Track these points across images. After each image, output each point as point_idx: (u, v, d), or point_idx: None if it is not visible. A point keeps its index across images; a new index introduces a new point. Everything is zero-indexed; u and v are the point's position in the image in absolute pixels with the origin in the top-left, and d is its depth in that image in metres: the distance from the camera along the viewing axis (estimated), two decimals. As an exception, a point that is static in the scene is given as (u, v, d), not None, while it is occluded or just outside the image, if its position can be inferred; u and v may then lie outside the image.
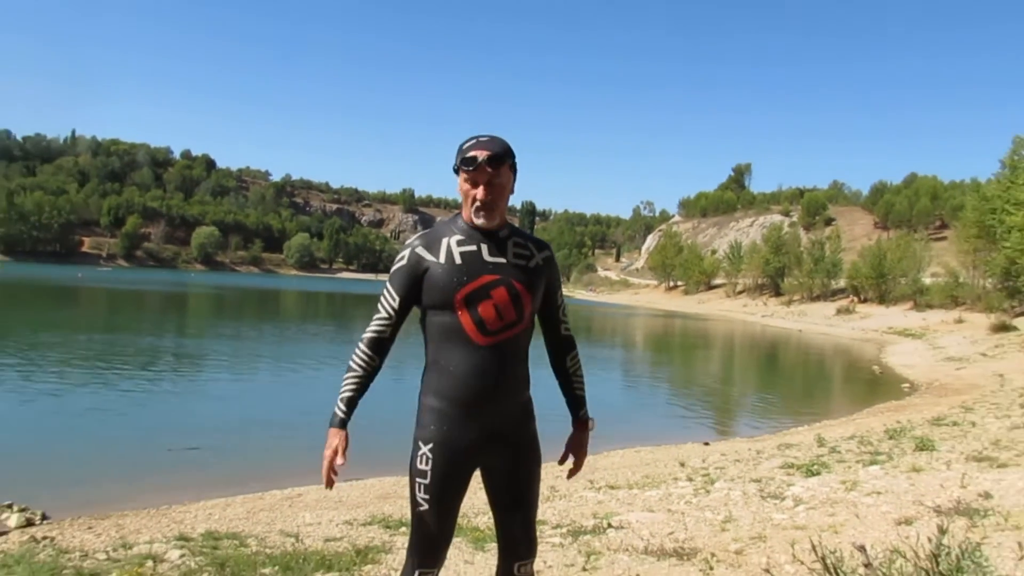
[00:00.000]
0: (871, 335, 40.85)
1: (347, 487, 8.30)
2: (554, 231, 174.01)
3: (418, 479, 2.13)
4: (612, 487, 7.41)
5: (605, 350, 30.46)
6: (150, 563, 4.47)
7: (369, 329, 2.13)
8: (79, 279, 68.28)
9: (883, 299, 55.56)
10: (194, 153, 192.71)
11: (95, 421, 11.62)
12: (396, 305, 2.12)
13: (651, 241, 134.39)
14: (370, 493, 8.01)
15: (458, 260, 2.10)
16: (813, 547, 2.38)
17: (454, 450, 2.10)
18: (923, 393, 18.30)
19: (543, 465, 2.29)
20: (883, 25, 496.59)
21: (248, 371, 18.56)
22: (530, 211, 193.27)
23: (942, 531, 2.29)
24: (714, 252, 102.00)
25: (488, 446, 2.14)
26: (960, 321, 37.51)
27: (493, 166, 2.06)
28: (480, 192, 2.08)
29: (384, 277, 2.24)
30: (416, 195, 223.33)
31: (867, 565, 2.33)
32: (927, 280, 52.88)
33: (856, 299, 59.32)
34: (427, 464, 2.11)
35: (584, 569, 4.12)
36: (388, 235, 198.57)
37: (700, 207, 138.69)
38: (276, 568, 4.19)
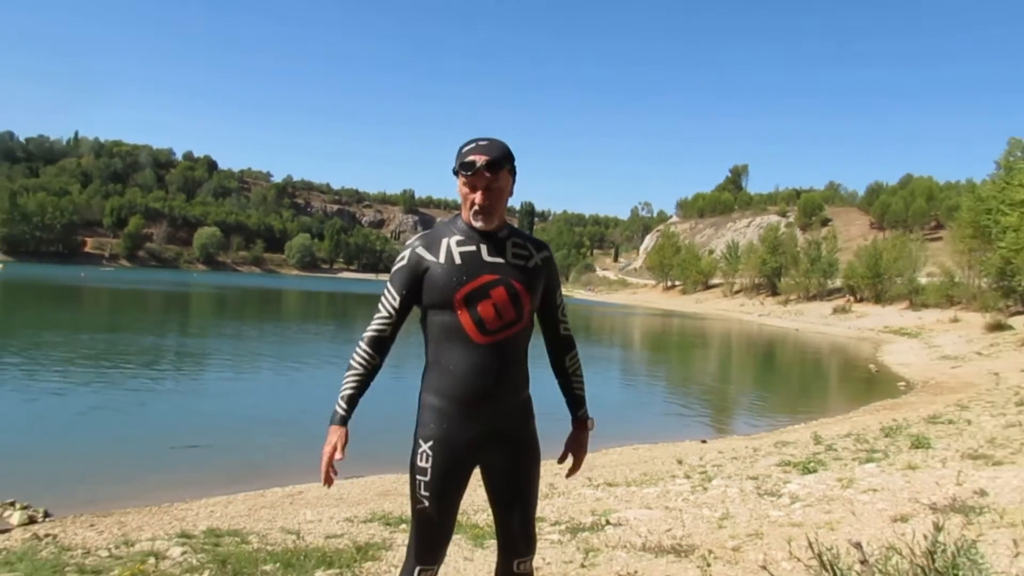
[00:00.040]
0: (867, 334, 40.88)
1: (348, 484, 8.30)
2: (553, 231, 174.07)
3: (418, 476, 2.13)
4: (610, 484, 7.41)
5: (604, 349, 30.47)
6: (152, 560, 4.47)
7: (370, 328, 2.13)
8: (82, 279, 68.25)
9: (879, 298, 55.59)
10: (196, 154, 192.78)
11: (97, 420, 11.61)
12: (397, 304, 2.12)
13: (649, 241, 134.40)
14: (371, 490, 8.00)
15: (458, 260, 2.10)
16: (810, 544, 2.38)
17: (454, 448, 2.10)
18: (919, 391, 18.30)
19: (542, 463, 2.29)
20: (879, 29, 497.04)
21: (249, 370, 18.55)
22: (529, 212, 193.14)
23: (938, 528, 2.29)
24: (711, 252, 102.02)
25: (488, 444, 2.14)
26: (955, 320, 37.55)
27: (491, 171, 2.06)
28: (478, 197, 2.08)
29: (384, 277, 2.24)
30: (416, 196, 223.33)
31: (863, 562, 2.33)
32: (923, 280, 52.89)
33: (852, 298, 59.36)
34: (427, 462, 2.11)
35: (583, 566, 4.12)
36: (388, 235, 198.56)
37: (698, 208, 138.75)
38: (277, 565, 4.18)
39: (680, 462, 8.98)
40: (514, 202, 2.23)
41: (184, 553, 4.68)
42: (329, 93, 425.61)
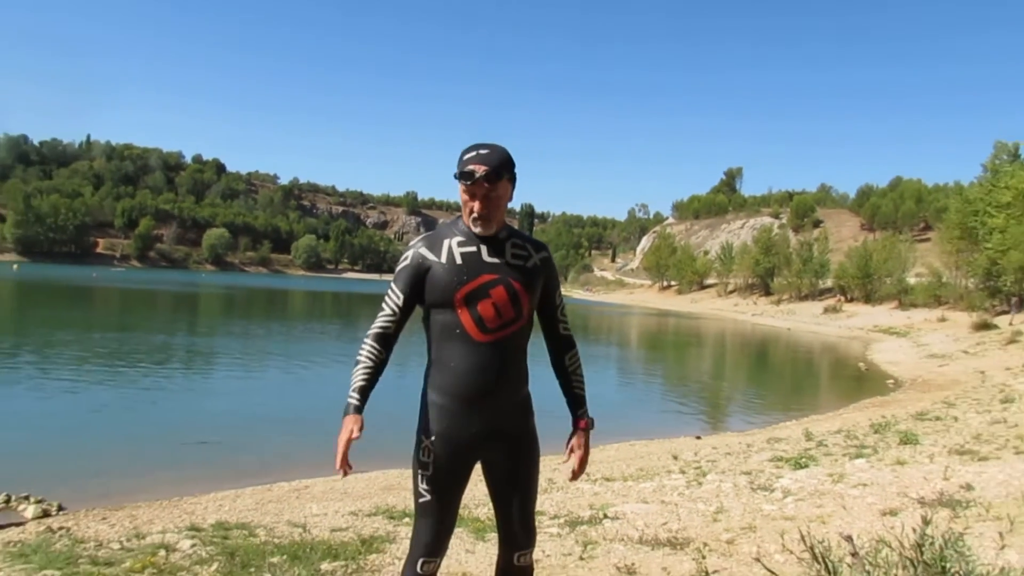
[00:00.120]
0: (857, 333, 40.87)
1: (352, 479, 8.30)
2: (552, 233, 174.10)
3: (421, 471, 2.13)
4: (608, 479, 7.41)
5: (601, 348, 30.46)
6: (162, 552, 4.47)
7: (375, 325, 2.13)
8: (94, 279, 68.25)
9: (869, 298, 55.57)
10: (205, 157, 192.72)
11: (109, 416, 11.61)
12: (400, 303, 2.12)
13: (646, 242, 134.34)
14: (375, 485, 8.00)
15: (459, 260, 2.10)
16: (802, 537, 2.39)
17: (455, 443, 2.10)
18: (907, 389, 18.30)
19: (541, 459, 2.29)
20: (871, 34, 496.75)
21: (257, 368, 18.55)
22: (529, 213, 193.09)
23: (926, 522, 2.29)
24: (706, 253, 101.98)
25: (488, 440, 2.14)
26: (943, 320, 37.51)
27: (490, 181, 2.05)
28: (477, 205, 2.08)
29: (388, 277, 2.24)
30: (419, 198, 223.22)
31: (854, 554, 2.34)
32: (911, 280, 52.87)
33: (843, 298, 59.33)
34: (429, 457, 2.11)
35: (581, 558, 4.12)
36: (392, 236, 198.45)
37: (693, 209, 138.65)
38: (284, 557, 4.18)
39: (675, 457, 8.98)
40: (514, 204, 2.22)
41: (194, 546, 4.68)
42: (334, 97, 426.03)
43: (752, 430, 12.58)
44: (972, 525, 4.15)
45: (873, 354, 28.38)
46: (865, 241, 68.33)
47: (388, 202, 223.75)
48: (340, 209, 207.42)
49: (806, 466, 7.23)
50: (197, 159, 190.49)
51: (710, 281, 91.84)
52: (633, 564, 3.88)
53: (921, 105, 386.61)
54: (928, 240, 68.44)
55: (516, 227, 2.30)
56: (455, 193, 2.17)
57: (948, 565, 2.14)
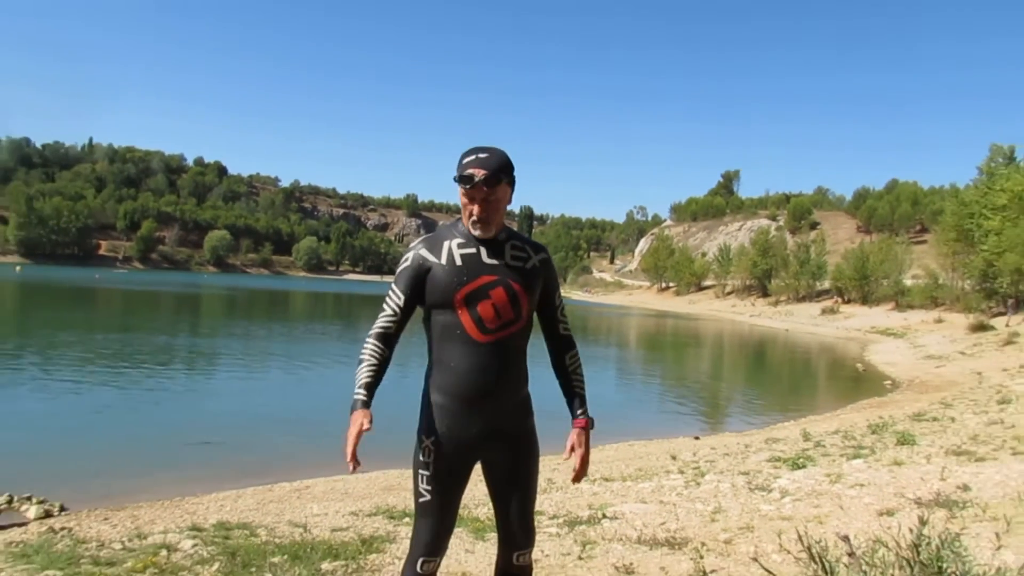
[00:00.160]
0: (854, 334, 40.86)
1: (353, 479, 8.29)
2: (551, 235, 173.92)
3: (421, 471, 2.13)
4: (606, 479, 7.40)
5: (600, 349, 30.45)
6: (164, 552, 4.47)
7: (376, 326, 2.12)
8: (96, 281, 68.21)
9: (866, 300, 55.57)
10: (207, 160, 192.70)
11: (111, 417, 11.61)
12: (401, 303, 2.12)
13: (644, 244, 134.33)
14: (375, 485, 7.99)
15: (459, 262, 2.11)
16: (799, 537, 2.38)
17: (455, 443, 2.10)
18: (904, 390, 18.30)
19: (541, 458, 2.29)
20: (868, 40, 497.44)
21: (258, 369, 18.55)
22: (528, 215, 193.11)
23: (923, 522, 2.29)
24: (704, 255, 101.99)
25: (488, 440, 2.14)
26: (940, 321, 37.52)
27: (489, 185, 2.06)
28: (476, 208, 2.09)
29: (389, 279, 2.24)
30: (419, 200, 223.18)
31: (851, 554, 2.33)
32: (908, 282, 52.86)
33: (840, 300, 59.32)
34: (430, 457, 2.11)
35: (580, 558, 4.12)
36: (392, 238, 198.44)
37: (691, 212, 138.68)
38: (285, 557, 4.18)
39: (674, 458, 8.98)
40: (514, 206, 2.22)
41: (195, 546, 4.68)
42: (335, 101, 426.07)
43: (750, 430, 12.57)
44: (969, 526, 4.15)
45: (870, 355, 28.37)
46: (862, 243, 68.39)
47: (388, 204, 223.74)
48: (341, 211, 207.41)
49: (804, 466, 7.22)
50: (199, 162, 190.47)
51: (708, 283, 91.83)
52: (631, 564, 3.88)
53: (917, 109, 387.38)
54: (924, 242, 68.49)
55: (516, 229, 2.30)
56: (455, 195, 2.17)
57: (945, 565, 2.13)
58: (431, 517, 2.13)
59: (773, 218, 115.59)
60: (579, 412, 2.26)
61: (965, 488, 5.35)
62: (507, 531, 2.23)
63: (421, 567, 2.13)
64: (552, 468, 8.33)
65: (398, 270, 2.17)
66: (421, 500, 2.14)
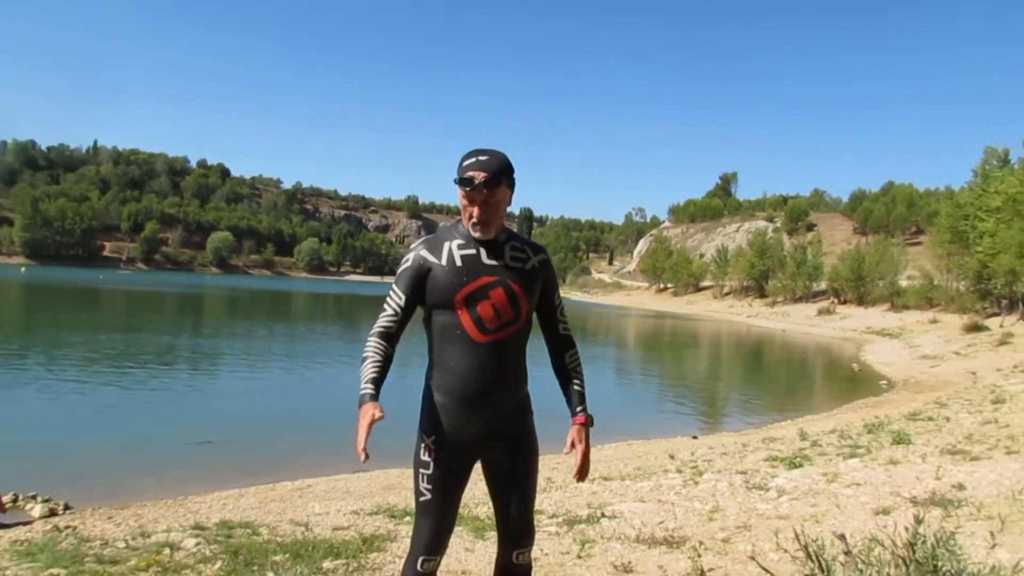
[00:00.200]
0: (850, 335, 40.85)
1: (354, 479, 8.30)
2: (551, 236, 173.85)
3: (422, 470, 2.13)
4: (605, 478, 7.40)
5: (599, 349, 30.45)
6: (167, 551, 4.46)
7: (378, 325, 2.12)
8: (100, 281, 68.21)
9: (862, 300, 55.56)
10: (210, 162, 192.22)
11: (115, 416, 11.61)
12: (402, 303, 2.12)
13: (643, 245, 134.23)
14: (376, 484, 7.99)
15: (459, 262, 2.11)
16: (796, 536, 2.38)
17: (456, 443, 2.10)
18: (900, 390, 18.30)
19: (540, 458, 2.29)
20: (863, 44, 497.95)
21: (260, 369, 18.54)
22: (528, 217, 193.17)
23: (918, 521, 2.29)
24: (702, 256, 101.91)
25: (488, 439, 2.14)
26: (935, 321, 37.51)
27: (489, 187, 2.06)
28: (476, 210, 2.09)
29: (390, 279, 2.24)
30: (420, 202, 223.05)
31: (847, 553, 2.33)
32: (903, 283, 52.86)
33: (836, 300, 59.32)
34: (430, 456, 2.11)
35: (579, 556, 4.11)
36: (393, 240, 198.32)
37: (689, 213, 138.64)
38: (287, 556, 4.18)
39: (672, 457, 8.98)
40: (514, 208, 2.21)
41: (198, 544, 4.67)
42: (337, 104, 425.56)
43: (748, 430, 12.57)
44: (964, 524, 4.15)
45: (866, 355, 28.37)
46: (858, 244, 68.39)
47: (389, 206, 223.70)
48: (342, 213, 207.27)
49: (800, 466, 7.22)
50: (202, 164, 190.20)
51: (706, 283, 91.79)
52: (630, 562, 3.88)
53: (914, 112, 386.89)
54: (920, 244, 68.54)
55: (515, 230, 2.30)
56: (455, 197, 2.17)
57: (940, 563, 2.13)
58: (432, 516, 2.13)
59: (770, 220, 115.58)
60: (579, 409, 2.25)
61: (960, 487, 5.35)
62: (507, 530, 2.23)
63: (422, 565, 2.13)
64: (551, 467, 8.32)
65: (399, 271, 2.17)
66: (422, 499, 2.14)
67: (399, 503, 6.35)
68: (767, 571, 2.76)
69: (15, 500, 6.95)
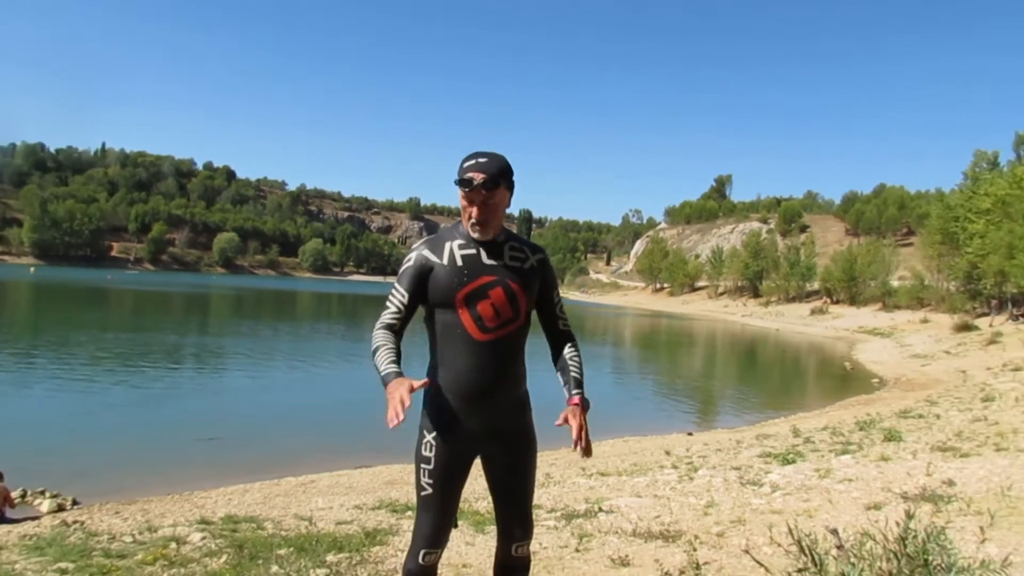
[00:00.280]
0: (843, 334, 40.86)
1: (357, 474, 8.30)
2: (549, 237, 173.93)
3: (423, 466, 2.13)
4: (602, 474, 7.40)
5: (596, 347, 30.44)
6: (174, 545, 4.46)
7: (382, 320, 2.10)
8: (108, 281, 68.19)
9: (854, 300, 55.54)
10: (216, 164, 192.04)
11: (122, 413, 11.60)
12: (405, 301, 2.12)
13: (639, 246, 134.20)
14: (378, 479, 7.99)
15: (459, 262, 2.11)
16: (789, 530, 2.38)
17: (456, 439, 2.10)
18: (891, 388, 18.30)
19: (539, 454, 2.29)
20: (856, 50, 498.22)
21: (265, 367, 18.53)
22: (527, 218, 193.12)
23: (909, 516, 2.29)
24: (697, 257, 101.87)
25: (488, 436, 2.14)
26: (925, 321, 37.51)
27: (488, 188, 2.06)
28: (475, 211, 2.09)
29: (392, 279, 2.24)
30: (422, 203, 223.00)
31: (839, 547, 2.33)
32: (895, 283, 52.84)
33: (829, 300, 59.29)
34: (431, 452, 2.11)
35: (577, 550, 4.11)
36: (396, 240, 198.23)
37: (685, 215, 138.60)
38: (291, 549, 4.18)
39: (668, 453, 8.98)
40: (513, 209, 2.21)
41: (204, 538, 4.67)
42: (340, 109, 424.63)
43: (742, 427, 12.58)
44: (954, 519, 4.15)
45: (858, 354, 28.37)
46: (850, 245, 68.30)
47: (392, 207, 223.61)
48: (346, 214, 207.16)
49: (794, 462, 7.23)
50: (208, 166, 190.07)
51: (701, 284, 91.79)
52: (627, 556, 3.87)
53: (904, 117, 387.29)
54: (911, 245, 68.49)
55: (515, 231, 2.30)
56: (456, 199, 2.17)
57: (930, 558, 2.13)
58: (432, 510, 2.13)
59: (764, 221, 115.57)
60: (575, 392, 2.17)
61: (950, 483, 5.35)
62: (506, 524, 2.23)
63: (423, 559, 2.13)
64: (550, 463, 8.33)
65: (401, 270, 2.17)
66: (423, 494, 2.14)
67: (401, 498, 6.36)
68: (761, 564, 2.75)
69: (24, 496, 6.95)
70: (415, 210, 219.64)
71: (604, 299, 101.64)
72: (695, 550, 3.77)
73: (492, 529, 3.18)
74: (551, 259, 2.37)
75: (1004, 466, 5.98)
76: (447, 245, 2.14)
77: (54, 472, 7.65)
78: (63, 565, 4.02)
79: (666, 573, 3.49)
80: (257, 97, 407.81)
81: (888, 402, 14.62)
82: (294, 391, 15.16)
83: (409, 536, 2.44)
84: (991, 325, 30.19)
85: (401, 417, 1.79)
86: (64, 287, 55.11)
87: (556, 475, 7.38)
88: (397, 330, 2.11)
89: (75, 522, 5.77)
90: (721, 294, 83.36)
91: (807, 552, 2.26)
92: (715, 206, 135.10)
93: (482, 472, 2.26)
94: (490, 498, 2.30)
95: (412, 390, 1.84)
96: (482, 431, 2.12)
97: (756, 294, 75.11)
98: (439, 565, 2.20)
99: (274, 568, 3.78)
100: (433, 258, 2.12)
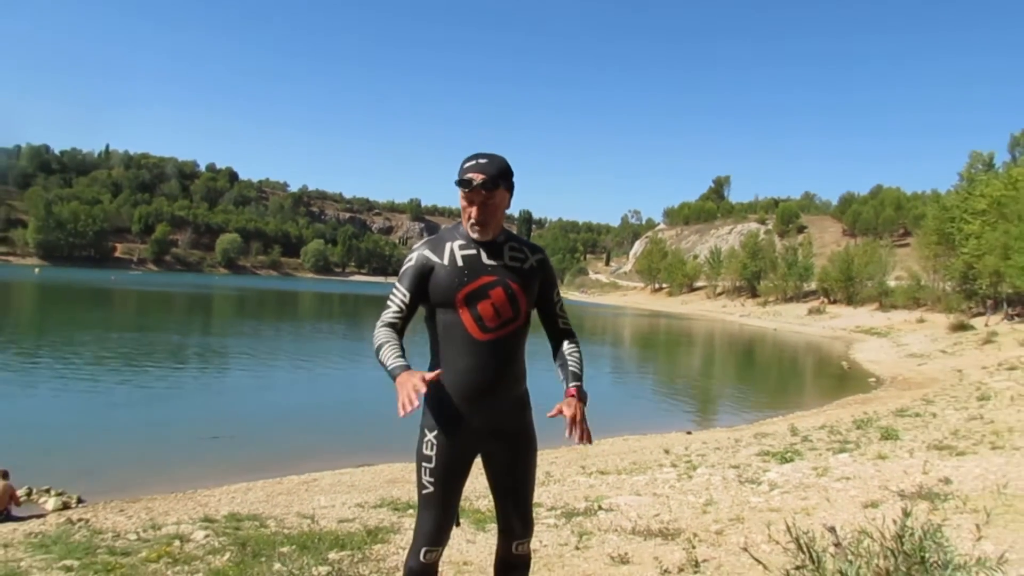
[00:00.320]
0: (840, 333, 40.85)
1: (359, 472, 8.30)
2: (549, 237, 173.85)
3: (424, 464, 2.13)
4: (602, 472, 7.40)
5: (596, 347, 30.43)
6: (177, 543, 4.46)
7: (382, 319, 2.10)
8: (112, 282, 68.18)
9: (851, 300, 55.52)
10: (218, 166, 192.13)
11: (126, 412, 11.60)
12: (407, 300, 2.12)
13: (638, 247, 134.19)
14: (380, 478, 7.99)
15: (460, 262, 2.11)
16: (787, 528, 2.38)
17: (457, 438, 2.10)
18: (888, 387, 18.30)
19: (539, 452, 2.29)
20: (853, 52, 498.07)
21: (267, 366, 18.53)
22: (527, 219, 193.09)
23: (906, 514, 2.29)
24: (696, 257, 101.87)
25: (488, 434, 2.14)
26: (922, 321, 37.49)
27: (487, 189, 2.06)
28: (474, 212, 2.09)
29: (394, 280, 2.24)
30: (422, 204, 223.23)
31: (837, 545, 2.33)
32: (891, 283, 52.80)
33: (826, 300, 59.27)
34: (432, 450, 2.11)
35: (577, 548, 4.11)
36: (397, 241, 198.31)
37: (683, 216, 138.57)
38: (293, 547, 4.18)
39: (667, 452, 8.98)
40: (513, 210, 2.21)
41: (207, 536, 4.67)
42: (342, 110, 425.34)
43: (740, 426, 12.58)
44: (950, 517, 4.15)
45: (855, 353, 28.37)
46: (847, 246, 68.31)
47: (393, 208, 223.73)
48: (347, 215, 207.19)
49: (791, 460, 7.23)
50: (211, 168, 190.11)
51: (699, 284, 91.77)
52: (626, 553, 3.87)
53: (901, 118, 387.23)
54: (907, 245, 68.44)
55: (515, 232, 2.30)
56: (456, 200, 2.17)
57: (927, 555, 2.13)
58: (434, 508, 2.13)
59: (762, 222, 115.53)
60: (572, 384, 2.14)
61: (946, 481, 5.35)
62: (506, 522, 2.23)
63: (424, 556, 2.13)
64: (550, 461, 8.33)
65: (402, 269, 2.17)
66: (424, 492, 2.14)
67: (402, 496, 6.36)
68: (759, 562, 2.76)
69: (29, 494, 6.95)
70: (416, 211, 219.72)
71: (603, 299, 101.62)
72: (694, 548, 3.78)
73: (493, 527, 3.18)
74: (551, 259, 2.36)
75: (1000, 464, 5.98)
76: (447, 245, 2.14)
77: (59, 470, 7.66)
78: (68, 562, 4.02)
79: (665, 571, 3.49)
80: (259, 97, 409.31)
81: (885, 401, 14.62)
82: (296, 390, 15.15)
83: (410, 534, 2.44)
84: (987, 325, 30.18)
85: (415, 404, 1.77)
86: (68, 287, 55.10)
87: (556, 473, 7.38)
88: (399, 329, 2.11)
89: (80, 520, 5.77)
90: (719, 294, 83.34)
91: (805, 550, 2.26)
92: (713, 207, 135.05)
93: (483, 470, 2.26)
94: (491, 496, 2.30)
95: (424, 381, 1.83)
96: (483, 430, 2.12)
97: (754, 294, 75.10)
98: (440, 563, 2.20)
99: (277, 566, 3.78)
100: (434, 258, 2.12)
